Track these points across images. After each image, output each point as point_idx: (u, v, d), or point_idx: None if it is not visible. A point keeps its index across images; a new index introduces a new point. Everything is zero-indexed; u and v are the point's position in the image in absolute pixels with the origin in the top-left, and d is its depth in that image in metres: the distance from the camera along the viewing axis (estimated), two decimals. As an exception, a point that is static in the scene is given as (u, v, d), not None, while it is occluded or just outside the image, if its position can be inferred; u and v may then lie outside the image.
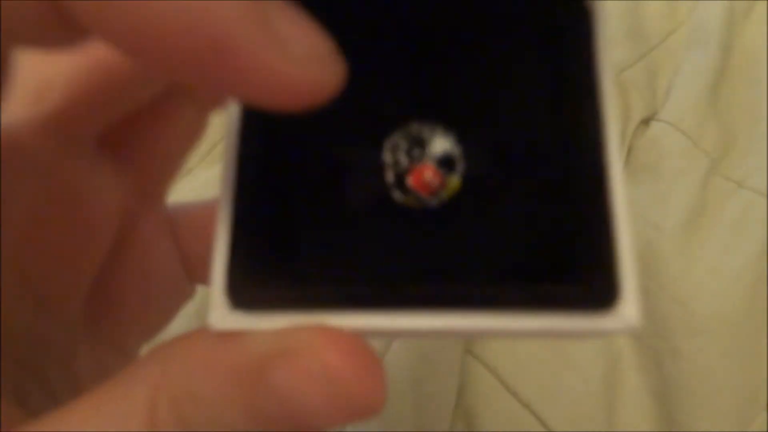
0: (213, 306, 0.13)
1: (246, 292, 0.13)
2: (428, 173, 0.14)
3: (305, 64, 0.10)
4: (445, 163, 0.14)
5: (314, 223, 0.15)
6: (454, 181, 0.14)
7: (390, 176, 0.14)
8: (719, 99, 0.39)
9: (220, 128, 0.15)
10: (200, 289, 0.21)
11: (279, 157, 0.15)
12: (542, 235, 0.14)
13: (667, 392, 0.33)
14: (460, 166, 0.14)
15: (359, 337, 0.12)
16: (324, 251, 0.14)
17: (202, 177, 0.39)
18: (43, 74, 0.16)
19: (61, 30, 0.11)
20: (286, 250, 0.14)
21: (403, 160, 0.14)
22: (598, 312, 0.12)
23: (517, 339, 0.34)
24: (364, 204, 0.15)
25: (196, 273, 0.20)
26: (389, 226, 0.15)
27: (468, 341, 0.34)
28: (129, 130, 0.18)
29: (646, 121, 0.39)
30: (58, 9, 0.10)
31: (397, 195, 0.15)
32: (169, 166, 0.19)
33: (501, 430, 0.33)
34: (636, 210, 0.37)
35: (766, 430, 0.32)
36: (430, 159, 0.14)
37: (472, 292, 0.12)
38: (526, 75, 0.15)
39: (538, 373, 0.34)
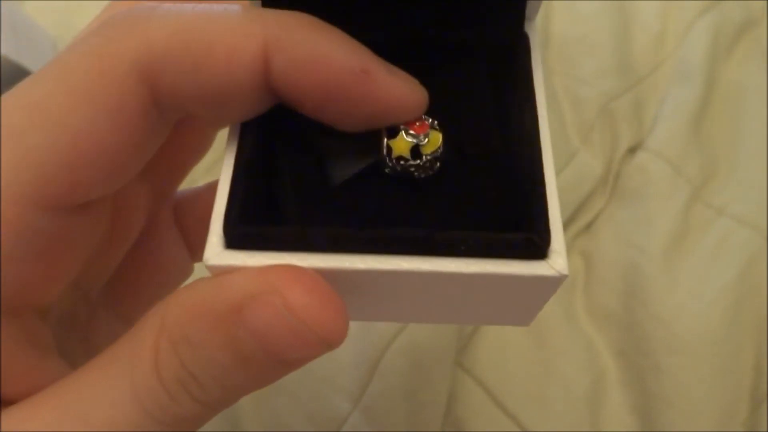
0: (209, 245, 0.15)
1: (237, 231, 0.15)
2: (424, 129, 0.17)
3: (411, 85, 0.16)
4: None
5: (303, 182, 0.17)
6: (437, 135, 0.17)
7: (383, 154, 0.17)
8: (702, 130, 0.41)
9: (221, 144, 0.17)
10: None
11: (277, 136, 0.17)
12: (490, 202, 0.17)
13: (648, 407, 0.34)
14: (439, 129, 0.17)
15: (322, 278, 0.14)
16: (309, 202, 0.17)
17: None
18: None
19: (258, 89, 0.15)
20: (276, 204, 0.17)
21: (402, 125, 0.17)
22: (533, 260, 0.15)
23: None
24: (346, 174, 0.17)
25: (196, 253, 0.23)
26: (368, 194, 0.17)
27: (458, 353, 0.35)
28: None
29: (632, 150, 0.41)
30: (262, 70, 0.15)
31: (386, 161, 0.17)
32: (180, 172, 0.22)
33: (489, 439, 0.34)
34: (621, 233, 0.38)
35: (742, 445, 0.33)
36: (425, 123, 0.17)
37: (434, 235, 0.15)
38: (479, 85, 0.19)
39: (524, 387, 0.35)
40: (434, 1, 0.17)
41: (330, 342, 0.14)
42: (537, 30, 0.19)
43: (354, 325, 0.34)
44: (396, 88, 0.15)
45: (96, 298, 0.20)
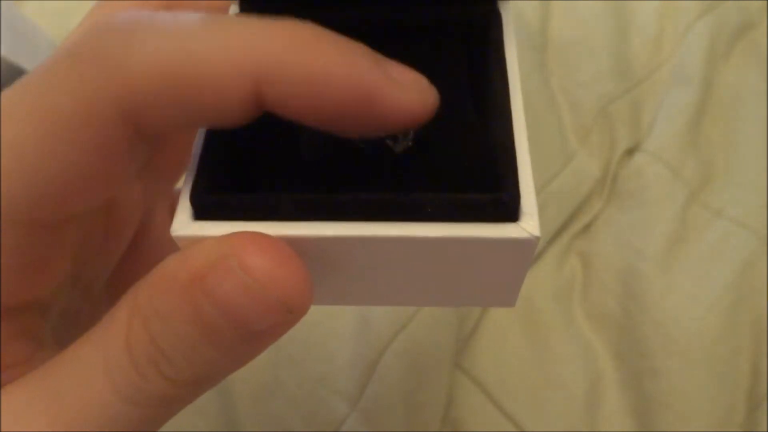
0: (176, 217, 0.15)
1: (203, 200, 0.15)
2: None
3: (413, 92, 0.15)
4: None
5: (277, 157, 0.17)
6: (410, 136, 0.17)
7: None
8: (700, 133, 0.41)
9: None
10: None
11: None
12: (464, 172, 0.17)
13: (646, 409, 0.35)
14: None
15: (284, 243, 0.14)
16: (282, 176, 0.17)
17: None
18: None
19: (249, 113, 0.14)
20: (243, 171, 0.17)
21: None
22: (505, 223, 0.15)
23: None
24: (321, 150, 0.17)
25: None
26: (341, 167, 0.17)
27: (457, 354, 0.35)
28: None
29: (630, 152, 0.41)
30: (254, 100, 0.14)
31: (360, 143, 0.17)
32: (177, 169, 0.22)
33: (486, 441, 0.34)
34: (619, 235, 0.39)
35: (739, 447, 0.33)
36: None
37: (399, 198, 0.14)
38: (453, 61, 0.19)
39: (523, 388, 0.35)
40: None
41: (291, 305, 0.13)
42: (510, 8, 0.19)
43: (352, 327, 0.34)
44: (404, 103, 0.14)
45: (98, 294, 0.20)
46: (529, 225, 0.14)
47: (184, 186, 0.15)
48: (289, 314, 0.14)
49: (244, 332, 0.14)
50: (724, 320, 0.35)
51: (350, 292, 0.17)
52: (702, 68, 0.42)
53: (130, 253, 0.20)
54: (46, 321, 0.16)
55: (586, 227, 0.40)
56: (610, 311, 0.37)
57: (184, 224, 0.15)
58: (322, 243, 0.15)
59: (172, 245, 0.22)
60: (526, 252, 0.15)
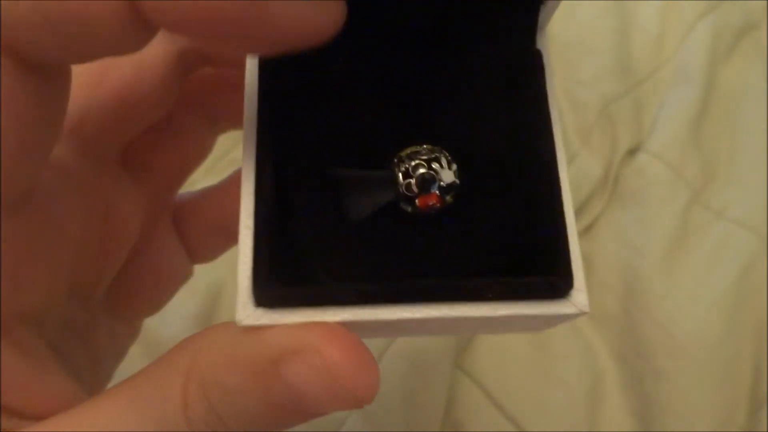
0: (240, 304, 0.15)
1: (267, 292, 0.15)
2: (433, 200, 0.17)
3: (315, 6, 0.13)
4: (447, 189, 0.17)
5: (322, 222, 0.17)
6: (449, 200, 0.17)
7: (400, 194, 0.17)
8: (701, 132, 0.41)
9: (222, 145, 0.16)
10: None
11: (293, 171, 0.17)
12: (512, 242, 0.17)
13: (647, 410, 0.34)
14: (455, 190, 0.17)
15: (356, 336, 0.14)
16: (333, 255, 0.17)
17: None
18: (82, 104, 0.18)
19: (132, 30, 0.13)
20: (299, 256, 0.17)
21: (415, 188, 0.17)
22: (557, 300, 0.15)
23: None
24: (364, 212, 0.17)
25: (196, 255, 0.23)
26: (387, 233, 0.17)
27: (458, 355, 0.35)
28: (147, 150, 0.21)
29: (632, 152, 0.41)
30: (130, 10, 0.12)
31: (403, 206, 0.17)
32: (179, 178, 0.22)
33: (487, 441, 0.34)
34: (620, 235, 0.38)
35: (740, 448, 0.33)
36: (436, 189, 0.17)
37: (460, 284, 0.15)
38: (491, 109, 0.18)
39: (524, 389, 0.35)
40: (442, 22, 0.17)
41: (360, 399, 0.14)
42: (548, 40, 0.18)
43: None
44: (296, 14, 0.13)
45: (97, 304, 0.20)
46: (578, 302, 0.15)
47: (239, 268, 0.15)
48: (357, 405, 0.14)
49: (308, 413, 0.14)
50: (726, 321, 0.35)
51: (392, 335, 0.18)
52: (704, 68, 0.42)
53: (131, 262, 0.20)
54: (41, 336, 0.16)
55: (588, 228, 0.39)
56: (611, 312, 0.37)
57: (248, 314, 0.15)
58: (383, 322, 0.15)
59: (174, 255, 0.22)
60: (571, 318, 0.16)
